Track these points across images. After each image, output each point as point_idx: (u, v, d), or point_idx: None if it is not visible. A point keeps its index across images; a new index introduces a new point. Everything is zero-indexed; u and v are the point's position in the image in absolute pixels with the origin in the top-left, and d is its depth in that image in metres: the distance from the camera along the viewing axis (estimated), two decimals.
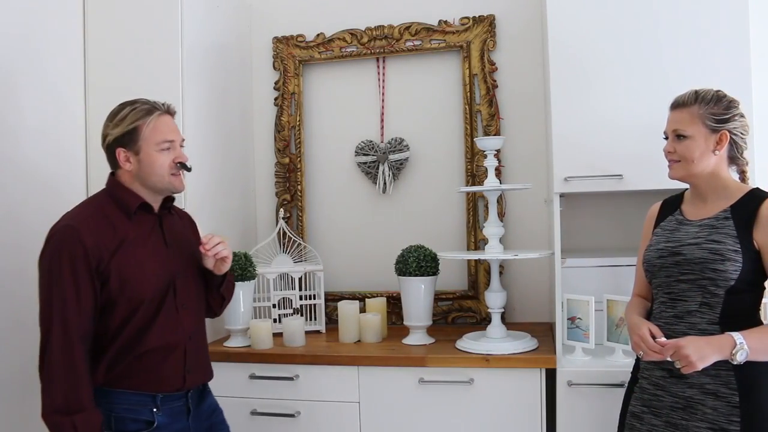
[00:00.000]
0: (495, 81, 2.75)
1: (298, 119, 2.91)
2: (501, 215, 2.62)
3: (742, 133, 1.66)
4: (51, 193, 2.30)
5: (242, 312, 2.45)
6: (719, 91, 1.68)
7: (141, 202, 1.72)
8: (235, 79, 2.83)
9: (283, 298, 2.66)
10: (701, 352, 1.49)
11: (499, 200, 2.49)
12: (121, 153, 1.70)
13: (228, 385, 2.34)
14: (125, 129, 1.68)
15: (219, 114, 2.67)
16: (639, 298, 1.86)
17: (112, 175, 1.76)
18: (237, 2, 2.86)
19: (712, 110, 1.63)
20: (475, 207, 2.76)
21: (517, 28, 2.75)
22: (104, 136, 1.74)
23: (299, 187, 2.91)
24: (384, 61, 2.87)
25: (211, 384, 2.37)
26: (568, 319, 2.20)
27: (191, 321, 1.76)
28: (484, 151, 2.34)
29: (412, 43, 2.82)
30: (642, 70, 2.07)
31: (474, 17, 2.76)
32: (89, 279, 1.59)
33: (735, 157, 1.68)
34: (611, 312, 2.17)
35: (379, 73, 2.88)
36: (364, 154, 2.85)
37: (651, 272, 1.72)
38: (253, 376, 2.32)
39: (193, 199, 2.41)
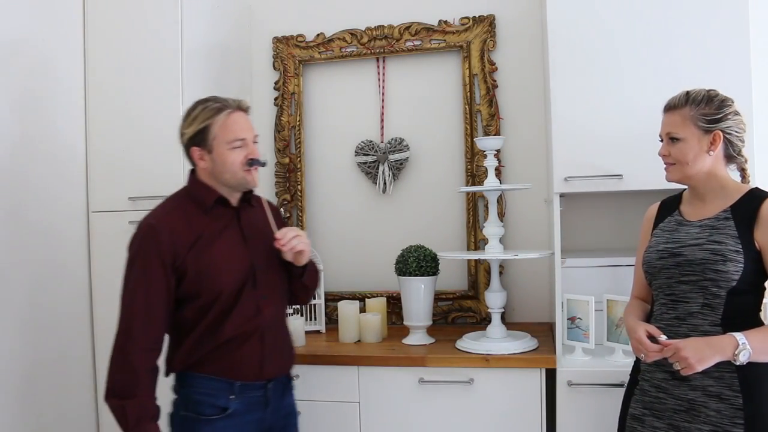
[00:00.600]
0: (495, 81, 2.75)
1: (298, 119, 2.91)
2: (501, 215, 2.62)
3: (737, 132, 1.65)
4: (51, 193, 2.30)
5: None
6: (711, 90, 1.66)
7: (217, 197, 1.77)
8: (235, 79, 2.83)
9: None
10: (701, 353, 1.48)
11: (499, 200, 2.50)
12: (195, 151, 1.75)
13: None
14: (197, 128, 1.72)
15: None
16: (637, 300, 1.86)
17: (192, 172, 1.81)
18: (237, 2, 2.86)
19: (703, 111, 1.63)
20: (475, 207, 2.76)
21: (517, 28, 2.75)
22: (180, 135, 1.79)
23: (299, 187, 2.91)
24: (384, 61, 2.88)
25: None
26: (568, 319, 2.20)
27: (270, 311, 1.78)
28: (484, 151, 2.34)
29: (412, 43, 2.82)
30: (642, 70, 2.08)
31: (474, 17, 2.76)
32: (163, 275, 1.67)
33: (732, 156, 1.67)
34: (611, 312, 2.17)
35: (379, 73, 2.88)
36: (364, 154, 2.85)
37: (651, 274, 1.72)
38: None
39: None
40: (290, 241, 1.75)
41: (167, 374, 1.78)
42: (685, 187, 1.76)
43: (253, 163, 1.75)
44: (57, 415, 2.27)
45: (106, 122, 2.44)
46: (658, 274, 1.69)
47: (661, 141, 1.73)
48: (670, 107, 1.69)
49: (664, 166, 1.71)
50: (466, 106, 2.75)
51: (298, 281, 1.88)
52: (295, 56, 2.92)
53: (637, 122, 2.08)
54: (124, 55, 2.42)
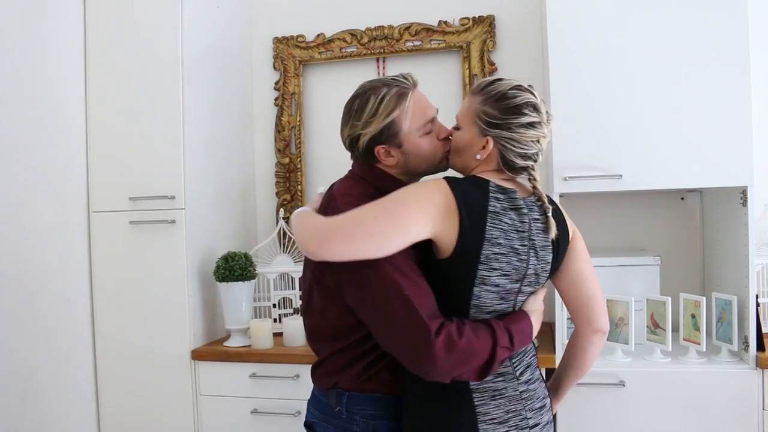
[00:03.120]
0: None
1: (298, 119, 2.92)
2: None
3: (516, 147, 1.36)
4: (51, 193, 2.30)
5: (242, 312, 2.45)
6: (517, 89, 1.37)
7: None
8: (235, 80, 2.83)
9: (284, 297, 2.66)
10: None
11: None
12: (380, 151, 1.46)
13: (228, 384, 2.35)
14: (382, 125, 1.43)
15: (219, 114, 2.67)
16: None
17: (369, 165, 1.50)
18: (237, 2, 2.87)
19: (488, 109, 1.37)
20: None
21: (517, 29, 2.75)
22: (351, 137, 1.47)
23: (299, 187, 2.91)
24: (384, 62, 2.88)
25: (211, 383, 2.39)
26: (567, 318, 2.20)
27: None
28: None
29: (412, 44, 2.82)
30: (642, 70, 2.08)
31: (474, 18, 2.76)
32: None
33: (515, 169, 1.39)
34: (611, 312, 2.17)
35: (379, 74, 2.88)
36: None
37: None
38: (253, 376, 2.32)
39: (193, 199, 2.42)
40: None
41: None
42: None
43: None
44: (57, 415, 2.27)
45: (107, 122, 2.44)
46: None
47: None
48: (472, 90, 1.44)
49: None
50: None
51: None
52: (295, 56, 2.92)
53: (637, 122, 2.08)
54: (125, 56, 2.42)
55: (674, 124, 2.07)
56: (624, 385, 2.07)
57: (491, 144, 1.37)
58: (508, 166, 1.38)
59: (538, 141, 1.37)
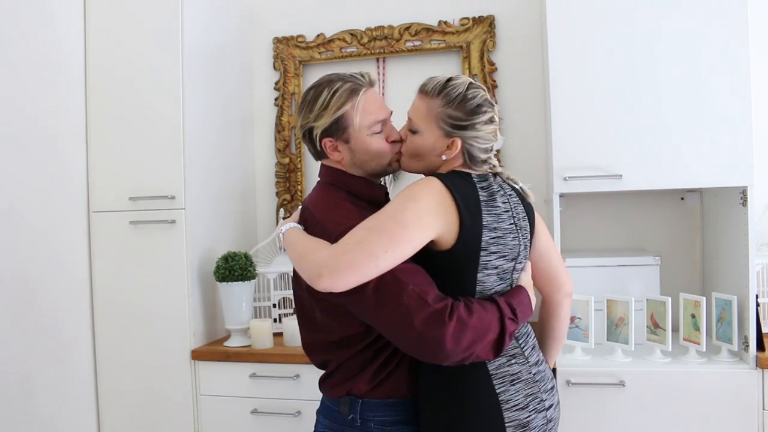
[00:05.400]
0: (495, 81, 2.75)
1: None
2: None
3: (480, 143, 1.41)
4: (51, 193, 2.30)
5: (242, 312, 2.45)
6: (472, 89, 1.41)
7: (385, 191, 1.55)
8: (235, 80, 2.83)
9: (284, 297, 2.66)
10: None
11: None
12: (327, 144, 1.46)
13: (228, 384, 2.35)
14: (332, 118, 1.42)
15: (219, 114, 2.67)
16: None
17: (323, 164, 1.52)
18: (237, 2, 2.87)
19: (452, 112, 1.39)
20: None
21: (517, 29, 2.75)
22: (304, 127, 1.48)
23: (299, 187, 2.91)
24: (384, 62, 2.88)
25: (211, 383, 2.39)
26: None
27: None
28: None
29: (412, 44, 2.82)
30: (642, 70, 2.08)
31: (474, 18, 2.77)
32: None
33: (478, 162, 1.43)
34: (611, 312, 2.17)
35: (379, 74, 2.88)
36: None
37: None
38: (253, 376, 2.32)
39: (193, 199, 2.42)
40: None
41: None
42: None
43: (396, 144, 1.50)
44: (57, 415, 2.27)
45: (106, 122, 2.44)
46: None
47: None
48: (423, 91, 1.44)
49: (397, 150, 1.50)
50: None
51: None
52: (295, 56, 2.92)
53: (637, 122, 2.08)
54: (125, 55, 2.42)
55: (674, 124, 2.07)
56: (624, 385, 2.07)
57: (459, 144, 1.40)
58: (473, 161, 1.43)
59: (495, 133, 1.44)
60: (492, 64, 2.76)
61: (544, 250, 1.57)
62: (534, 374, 1.43)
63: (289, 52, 2.93)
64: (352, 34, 2.87)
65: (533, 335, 1.51)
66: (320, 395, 1.54)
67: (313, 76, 2.95)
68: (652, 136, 2.08)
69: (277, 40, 2.94)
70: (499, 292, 1.41)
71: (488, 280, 1.40)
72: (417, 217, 1.31)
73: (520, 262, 1.46)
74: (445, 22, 2.79)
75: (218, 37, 2.68)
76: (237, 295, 2.44)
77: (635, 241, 2.64)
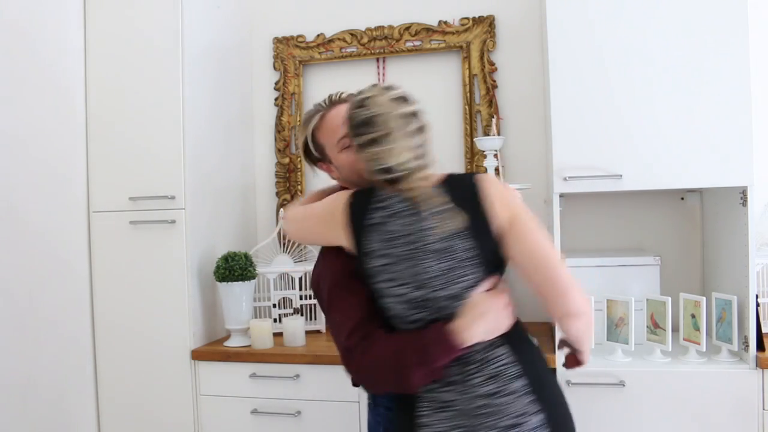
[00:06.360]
0: (495, 81, 2.75)
1: (298, 119, 2.91)
2: None
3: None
4: (51, 193, 2.30)
5: (242, 312, 2.45)
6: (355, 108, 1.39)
7: None
8: (235, 80, 2.83)
9: (284, 297, 2.66)
10: None
11: None
12: (322, 167, 1.65)
13: (228, 384, 2.35)
14: (304, 146, 1.63)
15: (219, 114, 2.67)
16: None
17: (339, 186, 1.64)
18: (237, 2, 2.87)
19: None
20: None
21: (516, 29, 2.75)
22: (304, 159, 1.69)
23: (299, 187, 2.91)
24: (384, 62, 2.88)
25: (211, 383, 2.39)
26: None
27: None
28: (484, 152, 2.35)
29: (412, 44, 2.82)
30: (642, 70, 2.08)
31: (474, 18, 2.76)
32: None
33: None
34: (611, 312, 2.17)
35: (379, 74, 2.88)
36: None
37: None
38: (253, 376, 2.32)
39: (193, 199, 2.42)
40: None
41: None
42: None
43: None
44: (57, 415, 2.27)
45: (107, 122, 2.44)
46: None
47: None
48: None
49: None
50: (466, 107, 2.75)
51: None
52: (295, 56, 2.92)
53: (637, 122, 2.08)
54: (125, 55, 2.42)
55: (674, 124, 2.07)
56: (624, 385, 2.07)
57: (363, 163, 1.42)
58: (382, 178, 1.39)
59: (377, 156, 1.37)
60: (492, 64, 2.76)
61: (520, 267, 1.40)
62: (478, 406, 1.30)
63: (289, 52, 2.93)
64: (352, 34, 2.87)
65: (504, 362, 1.35)
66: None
67: (313, 76, 2.95)
68: (652, 136, 2.07)
69: (277, 40, 2.94)
70: (425, 320, 1.32)
71: (397, 307, 1.33)
72: (326, 226, 1.45)
73: (443, 288, 1.31)
74: (445, 22, 2.79)
75: (218, 37, 2.69)
76: (237, 295, 2.44)
77: (635, 241, 2.64)
